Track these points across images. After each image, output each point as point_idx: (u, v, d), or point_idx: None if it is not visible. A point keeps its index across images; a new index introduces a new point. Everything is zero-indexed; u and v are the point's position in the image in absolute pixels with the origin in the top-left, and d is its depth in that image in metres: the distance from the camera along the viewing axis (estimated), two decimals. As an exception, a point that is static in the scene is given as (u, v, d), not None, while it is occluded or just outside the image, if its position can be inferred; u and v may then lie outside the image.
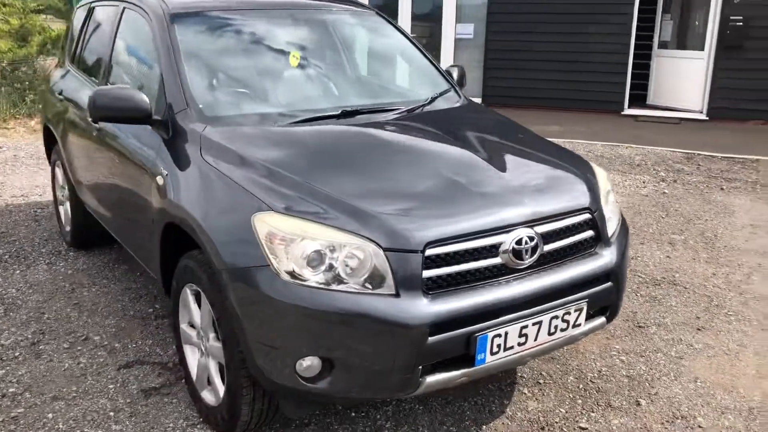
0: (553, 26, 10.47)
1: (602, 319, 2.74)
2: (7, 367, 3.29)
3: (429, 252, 2.30)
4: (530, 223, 2.50)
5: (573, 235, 2.63)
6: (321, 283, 2.26)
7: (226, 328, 2.48)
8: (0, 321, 3.73)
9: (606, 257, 2.71)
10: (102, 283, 4.27)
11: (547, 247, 2.52)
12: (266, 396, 2.55)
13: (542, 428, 2.85)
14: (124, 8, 3.78)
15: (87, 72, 4.16)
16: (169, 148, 2.94)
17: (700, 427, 2.85)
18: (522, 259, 2.45)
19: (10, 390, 3.12)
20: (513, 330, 2.40)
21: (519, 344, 2.44)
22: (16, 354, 3.42)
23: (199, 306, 2.73)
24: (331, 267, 2.27)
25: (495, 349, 2.39)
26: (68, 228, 4.70)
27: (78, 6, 4.74)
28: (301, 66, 3.47)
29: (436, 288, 2.30)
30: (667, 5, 10.50)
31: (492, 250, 2.40)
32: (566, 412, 2.95)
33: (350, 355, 2.28)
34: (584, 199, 2.71)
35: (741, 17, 9.48)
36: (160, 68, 3.15)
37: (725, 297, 4.08)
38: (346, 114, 3.14)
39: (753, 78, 9.58)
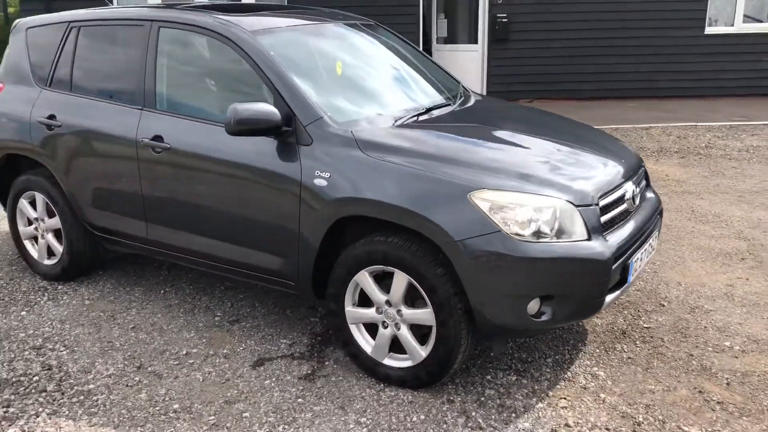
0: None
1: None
2: (144, 393, 3.32)
3: (601, 203, 3.10)
4: (629, 177, 3.42)
5: (642, 182, 3.61)
6: (538, 238, 2.93)
7: (444, 293, 3.00)
8: (91, 361, 3.64)
9: (655, 196, 3.74)
10: (133, 306, 4.24)
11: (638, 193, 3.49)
12: (472, 342, 3.12)
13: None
14: (160, 29, 3.85)
15: (98, 95, 4.09)
16: (318, 154, 3.28)
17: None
18: (635, 203, 3.36)
19: (174, 406, 3.21)
20: (640, 254, 3.31)
21: (639, 266, 3.35)
22: (137, 380, 3.43)
23: (384, 286, 3.15)
24: (540, 224, 2.94)
25: (634, 271, 3.28)
26: (52, 262, 4.49)
27: (38, 25, 4.50)
28: (372, 71, 3.96)
29: (604, 231, 3.11)
30: (439, 6, 12.08)
31: (622, 198, 3.27)
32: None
33: (564, 290, 2.99)
34: (637, 158, 3.71)
35: (505, 15, 11.36)
36: (270, 84, 3.42)
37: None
38: (432, 108, 3.74)
39: (518, 65, 11.57)
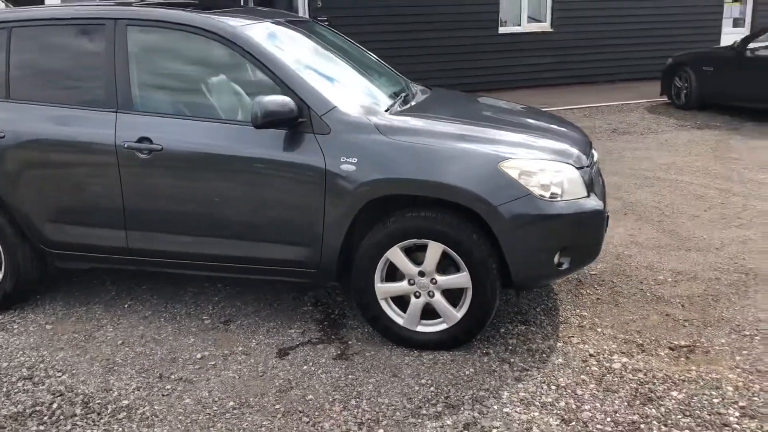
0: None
1: None
2: (188, 399, 3.27)
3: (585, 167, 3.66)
4: (592, 146, 4.05)
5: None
6: (558, 198, 3.42)
7: (480, 256, 3.37)
8: (103, 380, 3.44)
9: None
10: (105, 323, 4.02)
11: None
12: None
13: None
14: (128, 27, 3.73)
15: (48, 100, 3.82)
16: (340, 141, 3.45)
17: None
18: (591, 167, 3.95)
19: (229, 404, 3.22)
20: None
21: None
22: (169, 389, 3.35)
23: (411, 259, 3.42)
24: (555, 186, 3.44)
25: (606, 222, 3.89)
26: None
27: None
28: (339, 66, 4.16)
29: (590, 189, 3.68)
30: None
31: (592, 163, 3.87)
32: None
33: (578, 240, 3.50)
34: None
35: (326, 19, 11.80)
36: (275, 78, 3.52)
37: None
38: (404, 98, 4.08)
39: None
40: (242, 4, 11.62)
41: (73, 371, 3.48)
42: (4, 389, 3.33)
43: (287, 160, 3.47)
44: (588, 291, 4.22)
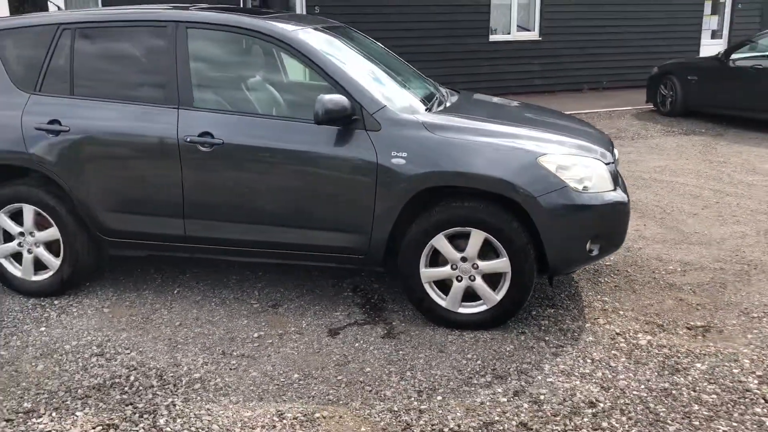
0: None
1: None
2: (254, 372, 3.53)
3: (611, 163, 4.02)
4: (613, 145, 4.41)
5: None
6: (589, 190, 3.77)
7: (520, 242, 3.70)
8: (170, 357, 3.69)
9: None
10: (158, 307, 4.26)
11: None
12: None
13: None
14: (188, 29, 4.00)
15: (109, 96, 4.07)
16: (390, 137, 3.77)
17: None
18: (615, 163, 4.33)
19: (294, 376, 3.51)
20: None
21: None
22: (234, 364, 3.60)
23: (453, 246, 3.74)
24: (587, 179, 3.79)
25: (627, 215, 4.26)
26: (42, 276, 4.31)
27: (8, 28, 4.28)
28: (385, 68, 4.47)
29: (616, 183, 4.05)
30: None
31: (614, 160, 4.24)
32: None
33: (606, 229, 3.84)
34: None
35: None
36: (330, 79, 3.83)
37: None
38: (439, 99, 4.40)
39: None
40: (241, 5, 11.85)
41: (140, 349, 3.73)
42: (81, 364, 3.58)
43: (341, 154, 3.77)
44: (606, 279, 4.57)
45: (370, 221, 3.80)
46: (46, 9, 10.63)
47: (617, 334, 3.80)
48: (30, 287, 4.33)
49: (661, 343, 3.69)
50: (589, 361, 3.52)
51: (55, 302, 4.31)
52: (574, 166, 3.70)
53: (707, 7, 15.35)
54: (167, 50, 3.98)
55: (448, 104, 4.36)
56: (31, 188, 4.17)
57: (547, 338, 3.76)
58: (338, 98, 3.63)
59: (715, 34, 15.90)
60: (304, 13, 11.93)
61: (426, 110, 4.02)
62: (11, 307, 4.26)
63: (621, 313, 4.06)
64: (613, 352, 3.60)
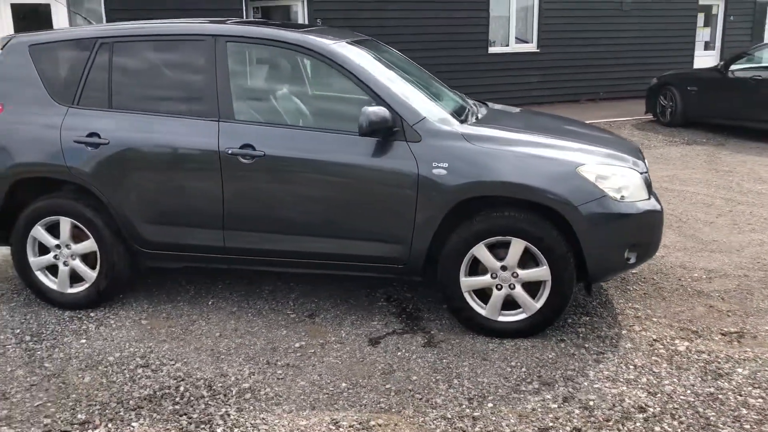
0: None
1: None
2: (302, 381, 3.57)
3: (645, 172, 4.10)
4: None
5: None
6: (627, 199, 3.85)
7: (560, 251, 3.77)
8: (216, 367, 3.70)
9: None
10: (195, 318, 4.28)
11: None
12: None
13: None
14: (228, 43, 4.06)
15: (148, 110, 4.10)
16: (431, 148, 3.82)
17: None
18: (647, 172, 4.41)
19: (342, 384, 3.55)
20: None
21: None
22: (281, 374, 3.64)
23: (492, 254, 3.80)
24: (624, 189, 3.86)
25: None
26: (78, 289, 4.33)
27: (46, 42, 4.29)
28: (417, 80, 4.53)
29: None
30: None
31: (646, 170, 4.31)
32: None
33: (643, 238, 3.92)
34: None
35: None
36: (370, 91, 3.89)
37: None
38: (465, 108, 4.47)
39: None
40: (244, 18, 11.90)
41: (185, 360, 3.75)
42: (128, 375, 3.59)
43: (382, 165, 3.82)
44: (634, 287, 4.64)
45: (411, 231, 3.85)
46: (50, 22, 10.65)
47: (654, 340, 3.87)
48: (66, 299, 4.34)
49: (699, 348, 3.76)
50: (631, 367, 3.58)
51: (91, 314, 4.32)
52: (613, 175, 3.77)
53: (700, 19, 15.59)
54: (207, 64, 4.02)
55: (479, 116, 4.42)
56: (69, 201, 4.18)
57: (586, 345, 3.82)
58: (381, 110, 3.69)
59: (707, 46, 16.15)
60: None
61: (462, 121, 4.07)
62: (47, 319, 4.26)
63: (654, 320, 4.13)
64: (653, 358, 3.67)
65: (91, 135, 4.08)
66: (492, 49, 13.53)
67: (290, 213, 3.97)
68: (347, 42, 4.34)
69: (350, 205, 3.90)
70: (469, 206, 3.83)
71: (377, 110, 3.68)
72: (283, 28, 4.16)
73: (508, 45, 13.71)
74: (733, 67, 10.48)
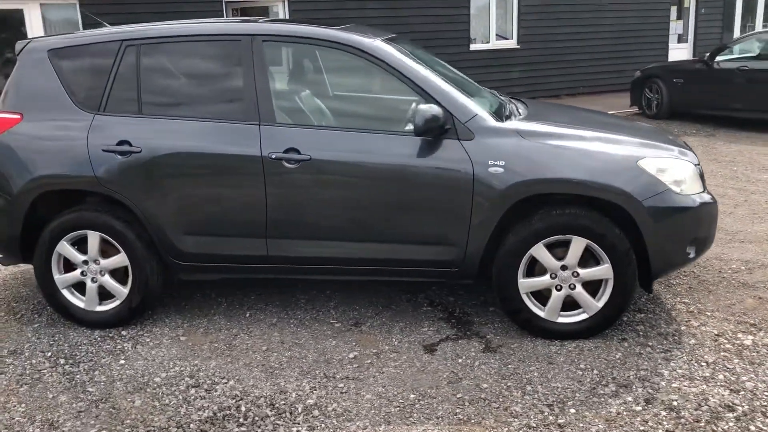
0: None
1: None
2: (368, 394, 3.41)
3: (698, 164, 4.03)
4: None
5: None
6: (685, 192, 3.76)
7: (622, 248, 3.66)
8: (272, 384, 3.52)
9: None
10: (235, 332, 4.07)
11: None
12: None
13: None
14: (264, 42, 3.86)
15: (181, 114, 3.88)
16: (485, 146, 3.69)
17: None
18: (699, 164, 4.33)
19: (410, 396, 3.40)
20: None
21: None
22: (342, 387, 3.47)
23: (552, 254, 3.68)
24: (684, 181, 3.77)
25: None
26: (107, 306, 4.09)
27: (67, 46, 4.04)
28: (453, 78, 4.38)
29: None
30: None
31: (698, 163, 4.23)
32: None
33: (702, 232, 3.84)
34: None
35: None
36: (420, 90, 3.73)
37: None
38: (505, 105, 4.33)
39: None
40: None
41: (237, 377, 3.55)
42: (180, 397, 3.38)
43: (435, 165, 3.67)
44: (677, 281, 4.57)
45: (466, 233, 3.71)
46: (23, 29, 10.22)
47: (717, 335, 3.79)
48: (94, 318, 4.09)
49: (765, 342, 3.69)
50: (704, 364, 3.49)
51: (123, 333, 4.08)
52: (671, 168, 3.69)
53: (673, 12, 15.77)
54: (243, 64, 3.82)
55: (521, 111, 4.30)
56: (97, 214, 3.94)
57: (650, 343, 3.73)
58: (434, 108, 3.55)
59: (680, 38, 16.33)
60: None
61: (508, 117, 3.94)
62: (78, 340, 4.01)
63: (708, 314, 4.06)
64: (722, 353, 3.59)
65: (121, 143, 3.84)
66: (473, 46, 13.46)
67: (338, 218, 3.79)
68: (382, 40, 4.17)
69: (401, 208, 3.74)
70: (527, 205, 3.70)
71: (431, 108, 3.53)
72: (320, 26, 3.97)
73: (488, 42, 13.65)
74: (718, 58, 10.57)
